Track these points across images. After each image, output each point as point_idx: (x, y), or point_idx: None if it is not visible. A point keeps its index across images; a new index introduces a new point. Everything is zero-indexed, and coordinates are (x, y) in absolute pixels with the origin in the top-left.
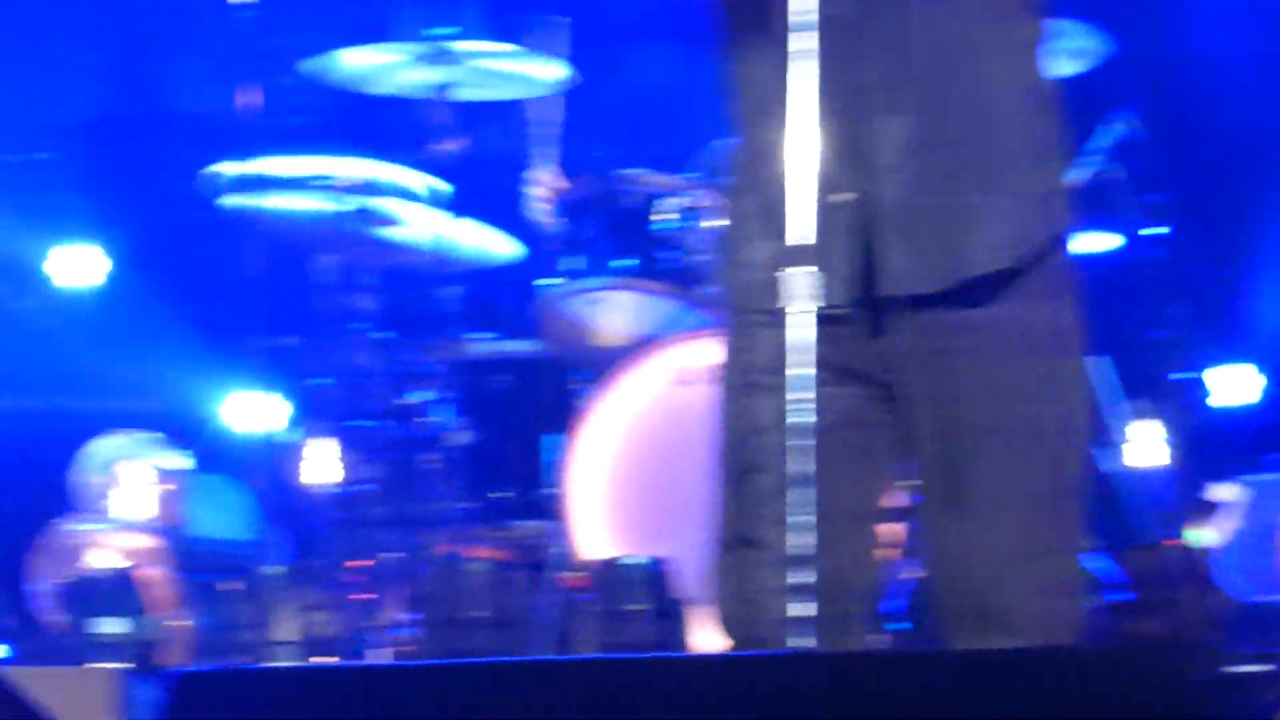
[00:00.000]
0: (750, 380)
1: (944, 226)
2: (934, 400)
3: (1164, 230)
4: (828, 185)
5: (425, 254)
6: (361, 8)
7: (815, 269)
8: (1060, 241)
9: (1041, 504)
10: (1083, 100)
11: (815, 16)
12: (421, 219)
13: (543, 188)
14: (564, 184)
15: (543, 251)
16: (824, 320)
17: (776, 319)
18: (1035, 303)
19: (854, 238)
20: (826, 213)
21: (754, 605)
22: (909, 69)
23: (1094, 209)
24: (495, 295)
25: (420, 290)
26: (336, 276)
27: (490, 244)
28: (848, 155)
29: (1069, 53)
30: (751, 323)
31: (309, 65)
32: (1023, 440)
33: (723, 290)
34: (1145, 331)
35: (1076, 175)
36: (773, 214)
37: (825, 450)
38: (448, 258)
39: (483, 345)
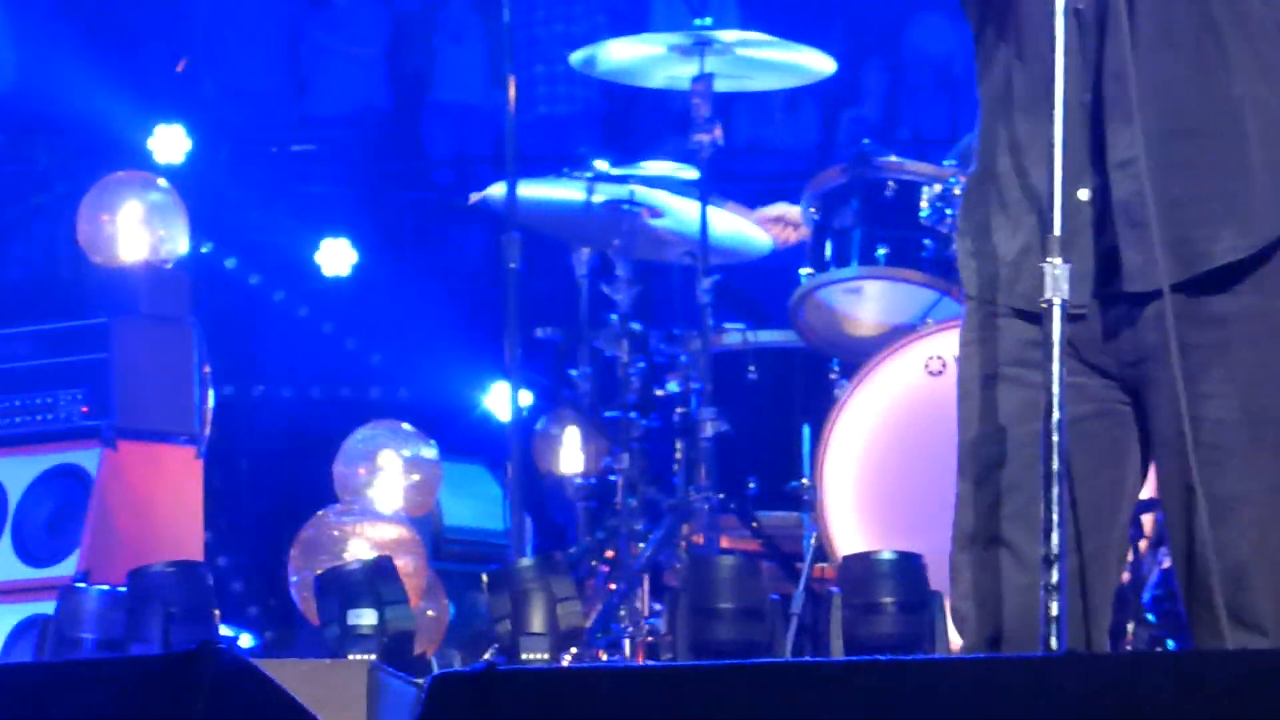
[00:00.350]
0: (993, 373)
1: (1179, 221)
2: (1176, 395)
3: None
4: (1068, 179)
5: (683, 245)
6: (624, 9)
7: (1063, 262)
8: None
9: None
10: None
11: (1062, 5)
12: (680, 210)
13: (777, 224)
14: (793, 212)
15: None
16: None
17: (1019, 311)
18: (1276, 294)
19: (1093, 233)
20: (1068, 207)
21: (995, 603)
22: (1143, 63)
23: None
24: (751, 285)
25: (677, 281)
26: (593, 268)
27: (747, 233)
28: (1084, 149)
29: None
30: (994, 314)
31: (577, 57)
32: (1266, 434)
33: (963, 279)
34: None
35: None
36: (1013, 205)
37: (1072, 443)
38: (705, 248)
39: (738, 336)
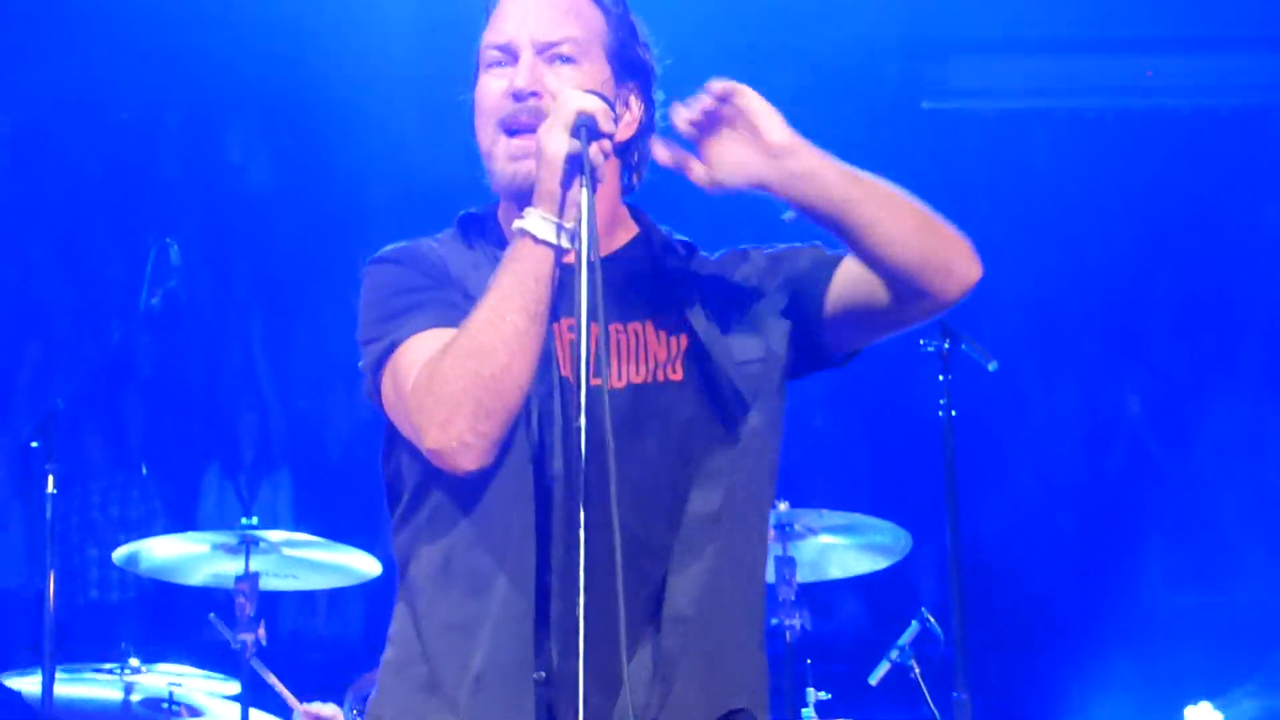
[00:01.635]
0: None
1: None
2: None
3: None
4: (522, 659)
5: None
6: (176, 499)
7: None
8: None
9: None
10: (887, 593)
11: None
12: (221, 711)
13: None
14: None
15: None
16: None
17: None
18: None
19: (545, 715)
20: (518, 688)
21: None
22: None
23: (893, 702)
24: None
25: None
26: None
27: None
28: (539, 627)
29: (874, 548)
30: None
31: (119, 554)
32: None
33: None
34: None
35: (879, 669)
36: (449, 685)
37: None
38: None
39: None
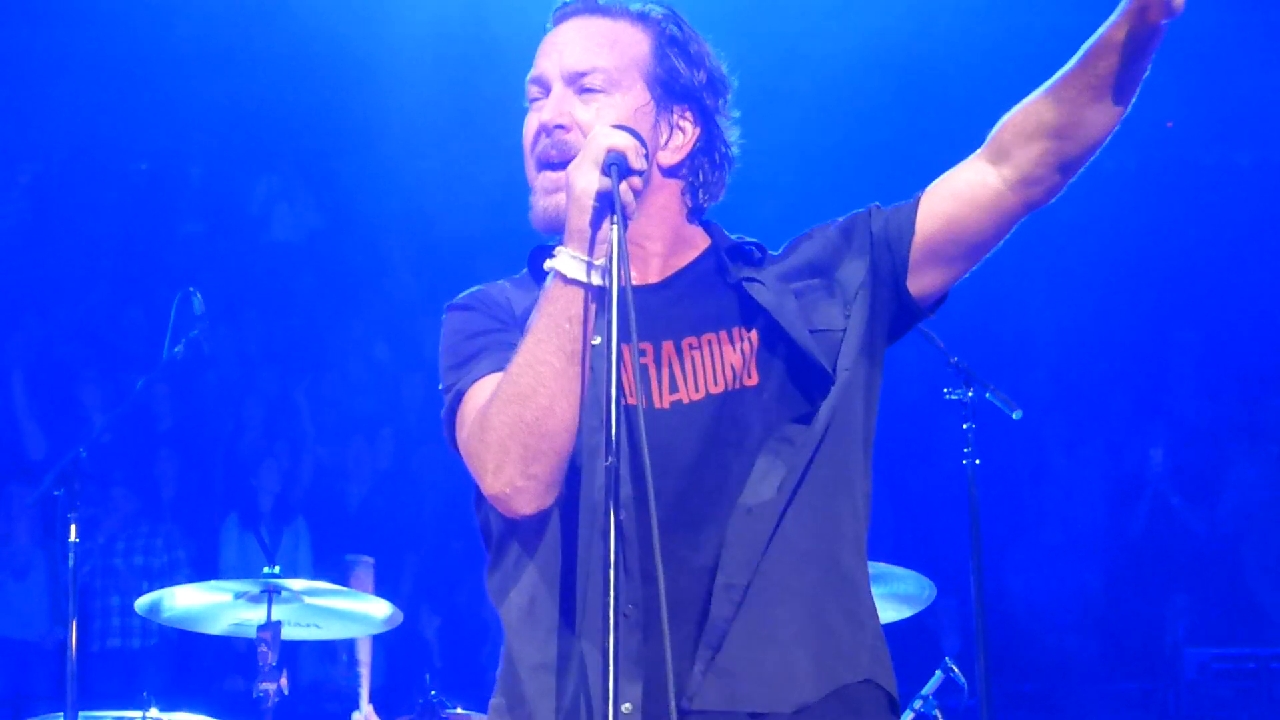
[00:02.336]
0: None
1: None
2: None
3: None
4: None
5: None
6: (198, 548)
7: None
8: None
9: None
10: (910, 643)
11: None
12: None
13: None
14: None
15: None
16: None
17: None
18: None
19: None
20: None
21: None
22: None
23: None
24: None
25: None
26: None
27: None
28: (628, 659)
29: (897, 597)
30: None
31: (142, 603)
32: None
33: None
34: None
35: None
36: None
37: None
38: None
39: None
